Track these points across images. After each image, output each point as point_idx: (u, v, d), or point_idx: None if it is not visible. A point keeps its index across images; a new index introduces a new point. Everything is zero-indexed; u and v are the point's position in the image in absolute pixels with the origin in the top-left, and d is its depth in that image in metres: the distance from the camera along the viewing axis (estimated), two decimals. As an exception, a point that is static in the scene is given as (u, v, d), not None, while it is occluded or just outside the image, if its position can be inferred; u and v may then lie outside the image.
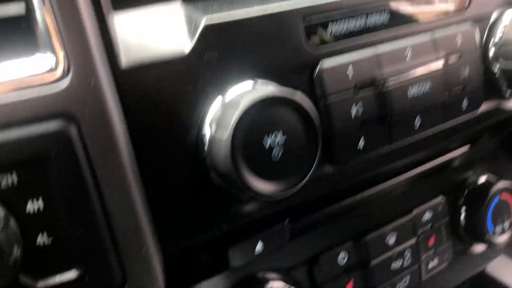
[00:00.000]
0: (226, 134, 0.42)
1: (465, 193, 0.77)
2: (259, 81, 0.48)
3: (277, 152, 0.45)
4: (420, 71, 0.56)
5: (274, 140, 0.44)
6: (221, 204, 0.48)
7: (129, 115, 0.42)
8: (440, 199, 0.75)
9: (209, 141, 0.44)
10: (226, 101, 0.45)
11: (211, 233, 0.48)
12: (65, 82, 0.39)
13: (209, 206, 0.48)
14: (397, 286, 0.71)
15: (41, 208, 0.39)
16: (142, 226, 0.43)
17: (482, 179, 0.79)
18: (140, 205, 0.43)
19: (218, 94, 0.46)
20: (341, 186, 0.55)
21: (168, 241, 0.46)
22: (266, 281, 0.61)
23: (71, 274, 0.41)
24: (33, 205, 0.39)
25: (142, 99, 0.43)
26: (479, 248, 0.82)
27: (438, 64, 0.57)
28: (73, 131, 0.39)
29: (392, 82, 0.54)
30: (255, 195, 0.44)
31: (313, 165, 0.47)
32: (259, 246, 0.53)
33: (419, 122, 0.58)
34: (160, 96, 0.43)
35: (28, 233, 0.39)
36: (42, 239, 0.40)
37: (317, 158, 0.47)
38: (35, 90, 0.38)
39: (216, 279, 0.58)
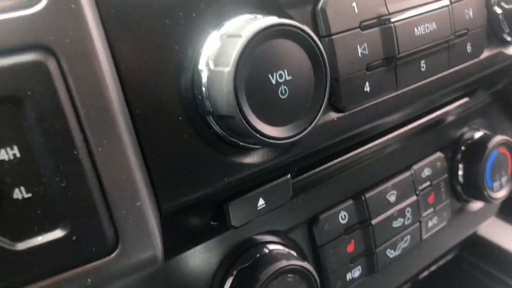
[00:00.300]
0: (228, 67, 0.37)
1: (463, 149, 0.74)
2: (258, 15, 0.43)
3: (282, 92, 0.40)
4: (425, 9, 0.52)
5: (280, 78, 0.40)
6: (220, 155, 0.43)
7: (115, 47, 0.37)
8: (438, 155, 0.72)
9: (208, 78, 0.39)
10: (225, 33, 0.40)
11: (210, 187, 0.43)
12: (41, 5, 0.33)
13: (207, 157, 0.43)
14: (398, 246, 0.68)
15: (17, 157, 0.34)
16: (135, 178, 0.38)
17: (479, 134, 0.76)
18: (132, 153, 0.38)
19: (214, 29, 0.41)
20: (346, 136, 0.51)
21: (164, 196, 0.41)
22: (264, 244, 0.56)
23: (56, 234, 0.35)
24: (8, 154, 0.33)
25: (129, 29, 0.37)
26: (476, 206, 0.80)
27: (443, 3, 0.54)
28: (51, 64, 0.33)
29: (398, 19, 0.50)
30: (259, 139, 0.39)
31: (321, 105, 0.42)
32: (260, 203, 0.49)
33: (425, 66, 0.54)
34: (150, 27, 0.38)
35: (3, 187, 0.33)
36: (19, 194, 0.34)
37: (325, 97, 0.42)
38: (4, 16, 0.32)
39: (213, 242, 0.53)
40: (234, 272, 0.54)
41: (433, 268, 0.94)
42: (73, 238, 0.35)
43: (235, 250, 0.55)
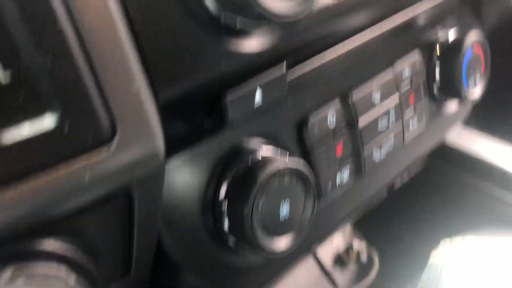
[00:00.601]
0: None
1: (438, 48, 0.74)
2: None
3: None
4: None
5: None
6: (215, 39, 0.39)
7: None
8: (416, 54, 0.70)
9: None
10: None
11: (206, 74, 0.39)
12: None
13: (201, 41, 0.39)
14: (383, 148, 0.67)
15: (-11, 30, 0.28)
16: (128, 56, 0.33)
17: (453, 32, 0.76)
18: (123, 32, 0.33)
19: None
20: (339, 20, 0.48)
21: (160, 83, 0.37)
22: (257, 148, 0.53)
23: (45, 121, 0.30)
24: (-24, 26, 0.28)
25: None
26: (450, 108, 0.80)
27: None
28: None
29: None
30: (264, 12, 0.36)
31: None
32: (258, 97, 0.45)
33: None
34: None
35: (-25, 67, 0.28)
36: (-4, 75, 0.29)
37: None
38: None
39: (204, 148, 0.50)
40: (229, 177, 0.51)
41: (406, 179, 0.96)
42: (65, 126, 0.31)
43: (228, 154, 0.52)
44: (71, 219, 0.35)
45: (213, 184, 0.51)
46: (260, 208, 0.50)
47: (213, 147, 0.50)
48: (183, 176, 0.49)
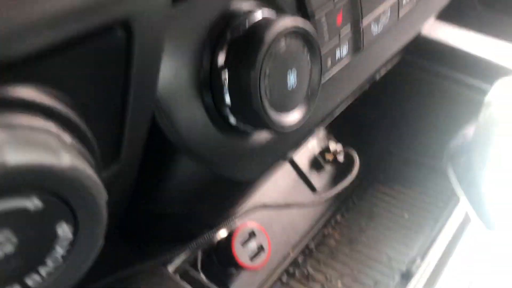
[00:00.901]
0: None
1: None
2: None
3: None
4: None
5: None
6: None
7: None
8: None
9: None
10: None
11: None
12: None
13: None
14: (380, 20, 0.60)
15: None
16: None
17: None
18: None
19: None
20: None
21: None
22: (254, 9, 0.45)
23: None
24: None
25: None
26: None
27: None
28: None
29: None
30: None
31: None
32: None
33: None
34: None
35: None
36: None
37: None
38: None
39: (194, 6, 0.41)
40: (227, 41, 0.42)
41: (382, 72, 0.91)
42: None
43: (223, 16, 0.43)
44: (55, 59, 0.25)
45: (208, 50, 0.43)
46: (267, 75, 0.42)
47: (205, 6, 0.41)
48: (172, 42, 0.40)
